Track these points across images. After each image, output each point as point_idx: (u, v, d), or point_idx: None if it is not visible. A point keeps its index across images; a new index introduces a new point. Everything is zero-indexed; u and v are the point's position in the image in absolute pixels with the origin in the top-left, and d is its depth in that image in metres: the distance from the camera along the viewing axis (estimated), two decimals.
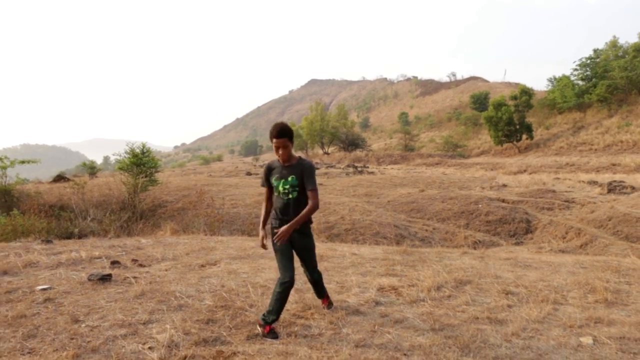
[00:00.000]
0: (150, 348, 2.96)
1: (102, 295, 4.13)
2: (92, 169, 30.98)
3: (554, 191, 17.48)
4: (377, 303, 3.94)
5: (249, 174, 31.25)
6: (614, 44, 52.41)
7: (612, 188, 17.46)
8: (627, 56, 45.87)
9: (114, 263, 5.36)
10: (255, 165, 43.63)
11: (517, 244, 12.54)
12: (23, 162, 16.03)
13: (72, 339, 3.10)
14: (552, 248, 10.72)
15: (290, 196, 3.27)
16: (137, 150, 16.53)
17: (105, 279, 4.60)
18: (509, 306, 3.86)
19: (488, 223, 13.94)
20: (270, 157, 72.57)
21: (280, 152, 3.24)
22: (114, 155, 18.05)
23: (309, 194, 3.25)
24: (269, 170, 3.41)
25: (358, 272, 5.03)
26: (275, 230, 3.32)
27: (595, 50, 49.52)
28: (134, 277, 4.70)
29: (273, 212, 3.43)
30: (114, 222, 9.51)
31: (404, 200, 16.09)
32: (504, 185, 19.33)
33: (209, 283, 4.50)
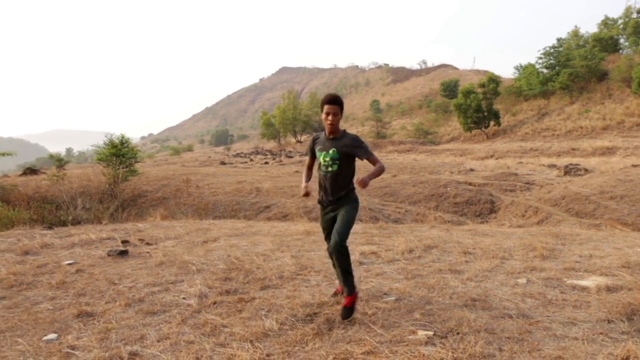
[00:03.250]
0: (184, 298, 3.71)
1: (125, 266, 4.82)
2: (59, 161, 30.69)
3: (516, 174, 18.80)
4: (361, 263, 4.80)
5: (223, 163, 31.67)
6: (575, 34, 54.81)
7: (568, 170, 18.91)
8: (587, 46, 48.22)
9: (125, 242, 6.02)
10: (227, 155, 43.82)
11: (482, 223, 13.68)
12: (3, 154, 16.12)
13: (117, 294, 3.82)
14: (512, 225, 11.88)
15: (330, 169, 3.31)
16: (117, 141, 16.85)
17: (123, 253, 5.29)
18: (467, 262, 4.78)
19: (456, 205, 15.04)
20: (241, 146, 72.57)
21: (330, 118, 3.24)
22: (92, 146, 18.27)
23: (371, 160, 3.37)
24: (314, 141, 3.48)
25: None
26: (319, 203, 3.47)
27: (558, 40, 51.66)
28: (148, 252, 5.40)
29: (319, 187, 3.49)
30: (106, 210, 10.02)
31: (377, 185, 17.03)
32: (471, 170, 20.57)
33: (216, 254, 5.24)
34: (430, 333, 3.01)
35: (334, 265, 3.43)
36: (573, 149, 31.24)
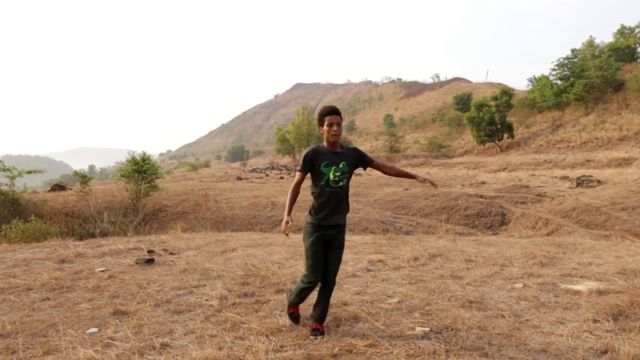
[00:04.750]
0: (206, 299, 4.12)
1: (152, 272, 5.25)
2: (83, 178, 31.78)
3: (527, 186, 18.95)
4: (369, 270, 5.14)
5: (239, 178, 32.30)
6: (590, 44, 54.63)
7: (581, 182, 18.97)
8: (603, 56, 47.98)
9: (150, 252, 6.47)
10: (244, 170, 44.56)
11: (492, 234, 13.87)
12: (30, 172, 16.95)
13: (147, 296, 4.24)
14: (521, 236, 12.06)
15: (341, 184, 3.22)
16: (138, 159, 17.55)
17: (149, 262, 5.73)
18: (468, 268, 5.09)
19: (467, 217, 15.27)
20: (257, 162, 73.54)
21: (335, 128, 3.17)
22: (116, 163, 19.02)
23: (376, 164, 3.38)
24: (315, 154, 3.22)
25: (352, 252, 6.23)
26: (312, 226, 3.25)
27: (573, 51, 51.52)
28: (172, 261, 5.83)
29: (315, 205, 3.25)
30: (131, 224, 10.56)
31: (389, 199, 17.35)
32: (483, 182, 20.75)
33: (234, 262, 5.64)
34: (427, 329, 3.35)
35: (320, 302, 3.38)
36: (588, 161, 31.09)
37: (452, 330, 3.34)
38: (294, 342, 3.19)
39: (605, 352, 2.96)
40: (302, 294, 3.36)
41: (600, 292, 4.15)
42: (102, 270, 5.40)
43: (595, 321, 3.50)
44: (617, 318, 3.54)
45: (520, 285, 4.39)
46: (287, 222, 3.24)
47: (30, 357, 3.03)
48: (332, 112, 3.21)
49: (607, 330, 3.33)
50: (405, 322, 3.50)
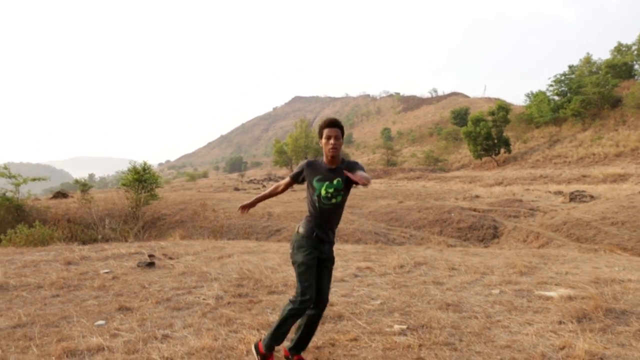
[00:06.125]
0: (204, 299, 4.44)
1: (153, 275, 5.57)
2: (84, 186, 32.09)
3: (521, 200, 19.29)
4: (356, 276, 5.47)
5: (237, 189, 32.63)
6: (587, 61, 55.49)
7: (574, 197, 19.33)
8: (600, 72, 48.73)
9: (151, 256, 6.78)
10: (241, 181, 44.89)
11: (484, 247, 14.18)
12: (34, 179, 17.31)
13: (149, 295, 4.56)
14: (511, 249, 12.37)
15: (334, 200, 3.01)
16: (139, 168, 17.92)
17: (150, 265, 6.05)
18: (450, 276, 5.41)
19: (459, 230, 15.58)
20: (254, 173, 74.01)
21: (332, 141, 2.95)
22: (117, 172, 19.39)
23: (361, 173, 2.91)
24: (309, 167, 3.10)
25: (342, 259, 6.55)
26: (304, 239, 3.04)
27: (570, 67, 52.32)
28: (171, 264, 6.15)
29: (308, 219, 3.10)
30: (131, 230, 10.88)
31: (384, 211, 17.68)
32: (477, 196, 21.11)
33: (230, 267, 5.96)
34: (404, 327, 3.68)
35: (305, 325, 3.10)
36: (584, 176, 31.49)
37: (427, 328, 3.66)
38: None
39: (563, 348, 3.29)
40: (286, 325, 3.00)
41: (570, 298, 4.47)
42: (106, 272, 5.71)
43: (560, 323, 3.82)
44: (581, 320, 3.86)
45: (497, 291, 4.72)
46: (244, 207, 3.29)
47: (46, 343, 3.35)
48: (331, 124, 2.99)
49: (569, 331, 3.65)
50: (385, 321, 3.82)
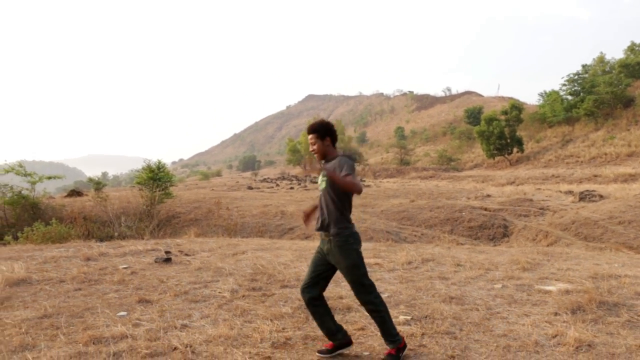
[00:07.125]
0: (219, 292, 4.70)
1: (170, 270, 5.86)
2: (98, 184, 32.72)
3: (531, 200, 19.29)
4: None
5: (250, 187, 32.97)
6: (601, 60, 54.79)
7: (583, 197, 19.26)
8: (613, 72, 48.14)
9: (167, 252, 7.08)
10: (255, 180, 45.27)
11: (494, 246, 14.28)
12: (50, 177, 17.83)
13: (167, 288, 4.84)
14: (520, 247, 12.46)
15: (322, 186, 3.20)
16: (154, 167, 18.34)
17: (167, 261, 6.34)
18: (456, 271, 5.61)
19: (470, 229, 15.69)
20: (268, 172, 74.47)
21: (310, 148, 3.24)
22: (131, 171, 19.85)
23: (346, 177, 2.95)
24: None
25: None
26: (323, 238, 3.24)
27: (583, 66, 51.69)
28: (188, 260, 6.44)
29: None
30: (147, 228, 11.23)
31: (395, 210, 17.84)
32: (488, 196, 21.13)
33: (244, 262, 6.23)
34: (409, 317, 3.90)
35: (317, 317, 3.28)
36: (595, 176, 31.23)
37: (430, 319, 3.88)
38: (295, 325, 3.75)
39: (555, 336, 3.48)
40: (314, 316, 3.27)
41: (567, 292, 4.65)
42: (125, 267, 6.02)
43: (555, 314, 4.01)
44: (575, 312, 4.04)
45: (499, 285, 4.91)
46: (306, 212, 3.44)
47: (73, 332, 3.64)
48: (308, 131, 3.25)
49: (563, 321, 3.83)
50: (391, 312, 4.03)
